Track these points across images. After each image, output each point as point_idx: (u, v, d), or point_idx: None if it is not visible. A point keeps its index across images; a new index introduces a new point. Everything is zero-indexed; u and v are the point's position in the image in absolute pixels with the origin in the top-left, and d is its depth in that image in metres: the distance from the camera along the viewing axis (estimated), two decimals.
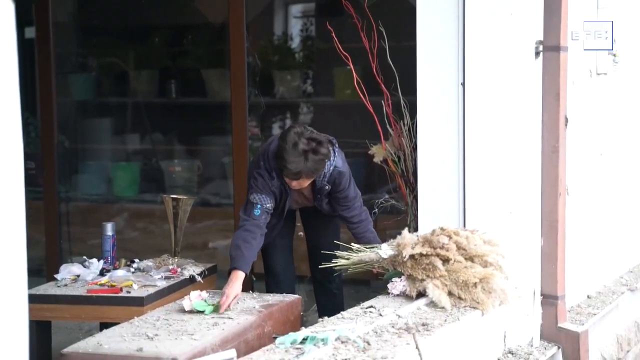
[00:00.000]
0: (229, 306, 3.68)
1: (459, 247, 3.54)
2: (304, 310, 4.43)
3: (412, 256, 3.54)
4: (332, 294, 4.51)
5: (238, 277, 3.86)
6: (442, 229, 3.61)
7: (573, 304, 4.49)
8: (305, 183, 4.07)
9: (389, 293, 3.60)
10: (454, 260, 3.51)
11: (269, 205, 4.11)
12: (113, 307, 3.90)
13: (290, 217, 4.43)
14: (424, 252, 3.51)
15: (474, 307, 3.48)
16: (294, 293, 4.44)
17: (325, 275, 4.41)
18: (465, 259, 3.54)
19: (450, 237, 3.55)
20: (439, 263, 3.49)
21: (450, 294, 3.48)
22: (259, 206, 4.09)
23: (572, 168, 4.28)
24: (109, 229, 4.45)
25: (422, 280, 3.50)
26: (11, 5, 1.94)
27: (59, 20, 6.59)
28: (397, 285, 3.58)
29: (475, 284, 3.46)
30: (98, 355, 3.15)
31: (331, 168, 4.12)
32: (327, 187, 4.18)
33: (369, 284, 5.63)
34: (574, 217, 4.36)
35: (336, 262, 3.85)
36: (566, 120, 4.08)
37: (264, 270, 4.55)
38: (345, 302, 4.54)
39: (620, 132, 5.24)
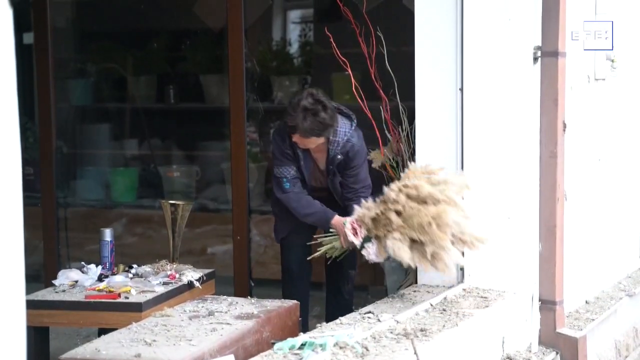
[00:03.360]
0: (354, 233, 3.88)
1: (409, 197, 3.61)
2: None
3: (373, 219, 3.67)
4: (343, 298, 4.55)
5: (336, 220, 4.17)
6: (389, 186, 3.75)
7: (571, 310, 4.49)
8: (309, 144, 4.25)
9: (366, 260, 3.80)
10: (407, 207, 3.58)
11: (293, 172, 4.32)
12: (111, 312, 3.89)
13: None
14: (381, 210, 3.65)
15: (436, 262, 3.53)
16: (309, 293, 4.50)
17: (340, 279, 4.48)
18: (419, 203, 3.61)
19: (400, 190, 3.64)
20: (392, 215, 3.60)
21: (413, 241, 3.57)
22: (284, 179, 4.33)
23: (570, 173, 4.28)
24: (107, 234, 4.44)
25: (385, 237, 3.58)
26: (9, 10, 1.94)
27: (58, 26, 6.59)
28: (370, 249, 3.68)
29: (429, 223, 3.53)
30: None
31: (345, 138, 4.30)
32: (339, 157, 4.33)
33: (367, 289, 5.64)
34: (573, 223, 4.37)
35: (320, 250, 4.09)
36: (564, 125, 4.08)
37: (281, 268, 4.62)
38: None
39: (618, 137, 5.24)
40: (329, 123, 4.21)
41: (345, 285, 4.55)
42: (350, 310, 4.49)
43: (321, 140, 4.28)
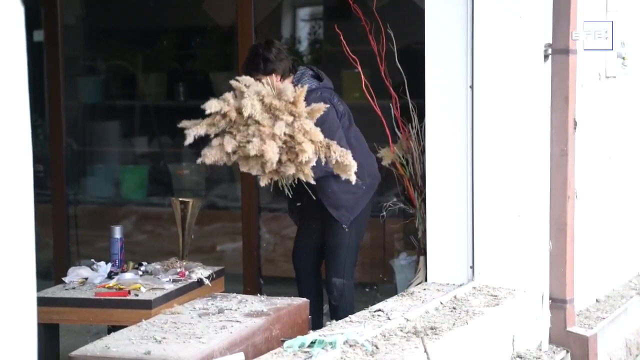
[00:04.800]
0: None
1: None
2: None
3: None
4: (330, 303, 4.53)
5: None
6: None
7: (582, 308, 4.48)
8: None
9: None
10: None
11: None
12: (121, 310, 3.89)
13: (317, 217, 4.46)
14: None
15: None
16: (320, 292, 4.49)
17: (326, 285, 4.48)
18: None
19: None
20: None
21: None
22: None
23: (581, 171, 4.27)
24: (117, 231, 4.44)
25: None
26: (21, 8, 1.94)
27: (68, 24, 6.60)
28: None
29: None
30: (106, 358, 3.16)
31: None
32: None
33: (377, 287, 5.63)
34: (583, 221, 4.35)
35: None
36: (575, 123, 4.07)
37: None
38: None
39: (629, 135, 5.23)
40: (268, 57, 4.26)
41: (331, 293, 4.52)
42: (337, 315, 4.48)
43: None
